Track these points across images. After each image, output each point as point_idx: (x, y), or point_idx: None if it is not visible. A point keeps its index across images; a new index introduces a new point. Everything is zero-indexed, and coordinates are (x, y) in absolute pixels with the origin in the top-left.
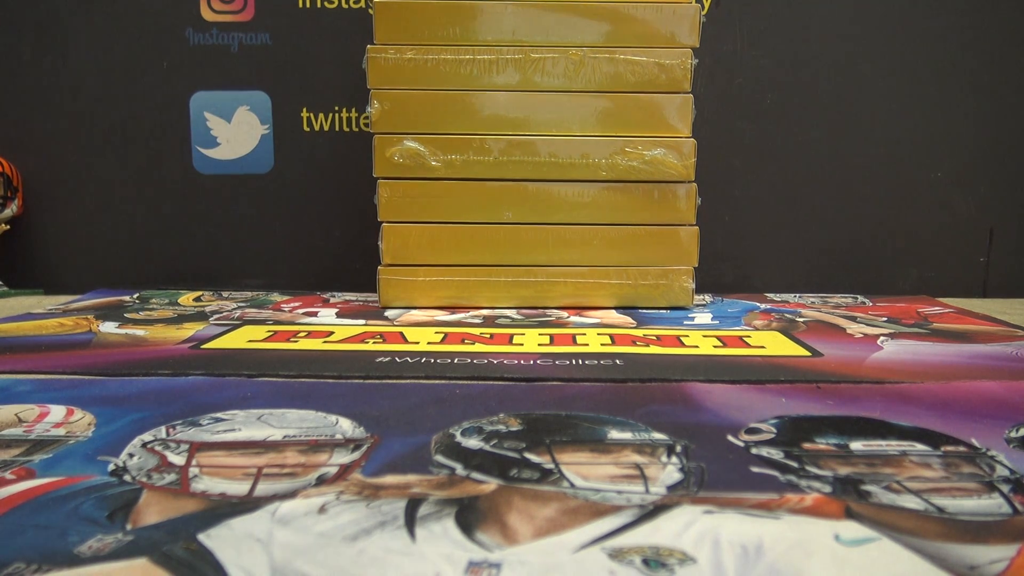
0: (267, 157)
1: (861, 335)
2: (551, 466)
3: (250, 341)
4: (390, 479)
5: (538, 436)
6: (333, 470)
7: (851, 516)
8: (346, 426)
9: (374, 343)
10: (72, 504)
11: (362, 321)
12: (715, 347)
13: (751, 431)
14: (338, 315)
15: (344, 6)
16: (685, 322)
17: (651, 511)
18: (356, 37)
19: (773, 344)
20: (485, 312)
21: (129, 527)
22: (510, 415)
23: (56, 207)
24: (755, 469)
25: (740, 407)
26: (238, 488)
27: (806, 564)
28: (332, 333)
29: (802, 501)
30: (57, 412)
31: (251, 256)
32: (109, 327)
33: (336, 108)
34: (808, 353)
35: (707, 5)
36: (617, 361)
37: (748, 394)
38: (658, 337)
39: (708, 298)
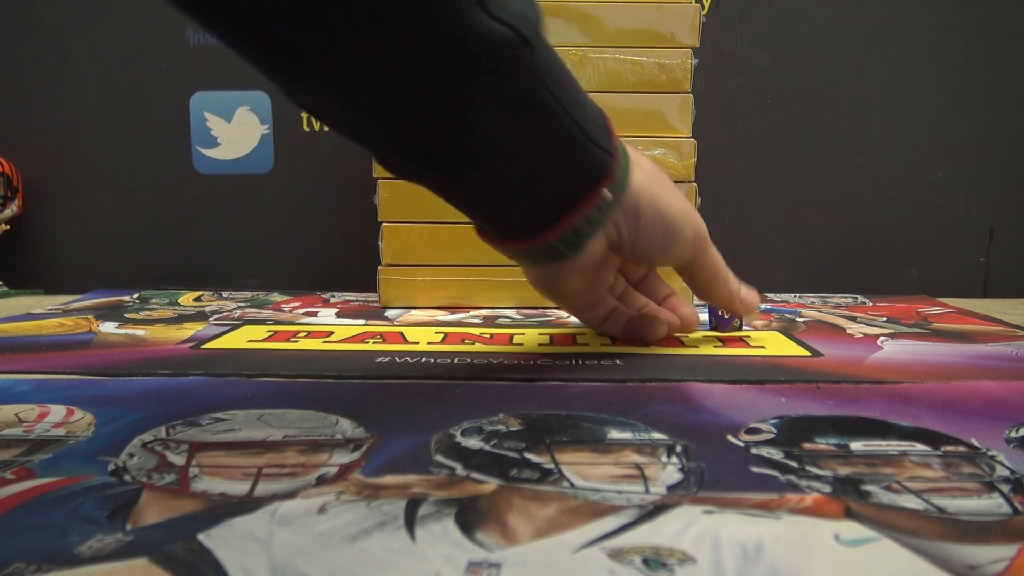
0: (267, 157)
1: (861, 335)
2: (551, 466)
3: (250, 341)
4: (390, 479)
5: (538, 436)
6: (333, 470)
7: (851, 516)
8: (346, 426)
9: (374, 343)
10: (72, 504)
11: (362, 321)
12: (715, 347)
13: (751, 431)
14: (338, 315)
15: None
16: None
17: (651, 511)
18: None
19: (773, 344)
20: (485, 312)
21: (129, 527)
22: (510, 415)
23: (56, 207)
24: (755, 469)
25: (740, 407)
26: (238, 488)
27: (806, 564)
28: (332, 333)
29: (802, 501)
30: (57, 412)
31: (251, 256)
32: (109, 327)
33: None
34: (808, 353)
35: (707, 5)
36: (617, 361)
37: (748, 394)
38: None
39: None
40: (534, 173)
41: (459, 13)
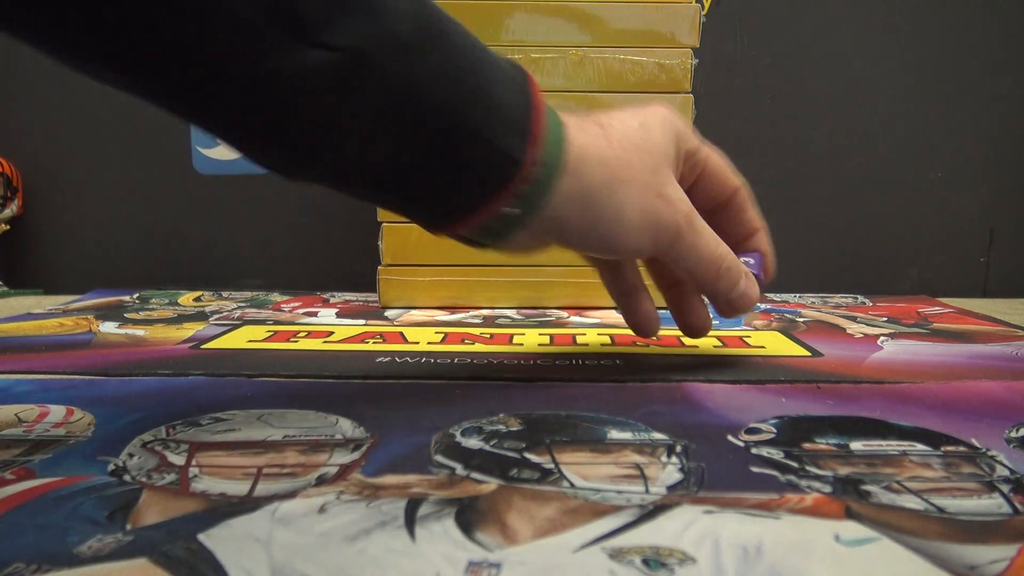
0: None
1: (861, 335)
2: (551, 466)
3: (250, 341)
4: (390, 479)
5: (538, 436)
6: (333, 470)
7: (851, 516)
8: (346, 426)
9: (374, 343)
10: (72, 504)
11: (362, 321)
12: (715, 347)
13: (751, 431)
14: (338, 315)
15: None
16: None
17: (651, 511)
18: None
19: (773, 344)
20: (485, 312)
21: (129, 527)
22: (510, 415)
23: (56, 207)
24: (755, 469)
25: (740, 407)
26: (238, 488)
27: (806, 564)
28: (332, 333)
29: (802, 501)
30: (57, 412)
31: (251, 256)
32: (109, 327)
33: None
34: (808, 353)
35: (707, 5)
36: (617, 361)
37: (748, 394)
38: (658, 337)
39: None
40: (415, 186)
41: (263, 58)
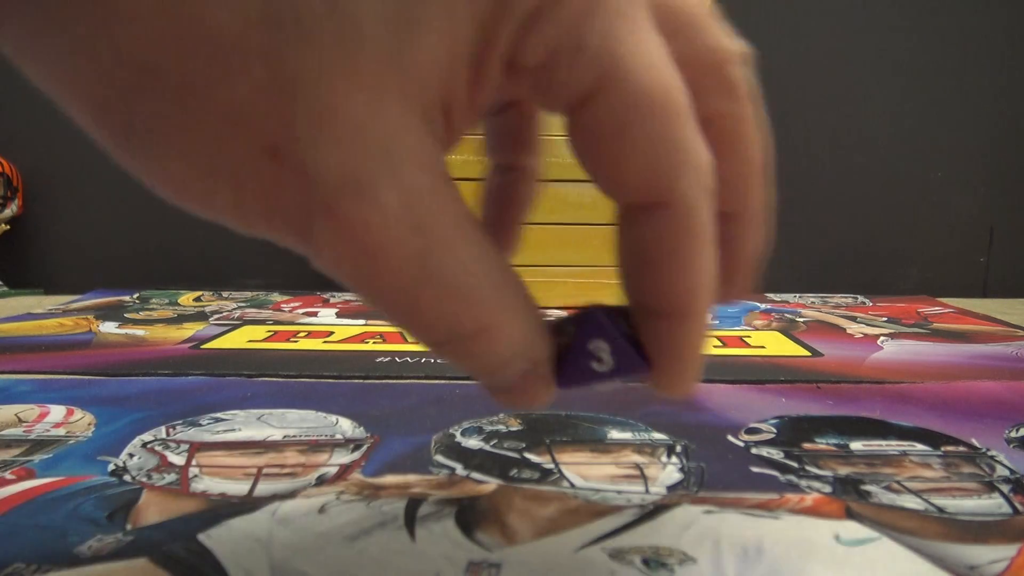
0: None
1: (861, 335)
2: (551, 466)
3: (250, 341)
4: (390, 479)
5: (538, 436)
6: (333, 470)
7: (851, 516)
8: (346, 426)
9: (374, 343)
10: (72, 504)
11: (362, 321)
12: (715, 347)
13: (751, 431)
14: (338, 315)
15: None
16: None
17: (651, 511)
18: None
19: (773, 344)
20: None
21: (129, 527)
22: (510, 415)
23: (56, 207)
24: (755, 469)
25: (740, 407)
26: (238, 488)
27: (806, 564)
28: (332, 333)
29: (802, 501)
30: (57, 412)
31: (251, 256)
32: (109, 327)
33: None
34: (808, 353)
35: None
36: None
37: (748, 394)
38: None
39: None
40: None
41: None
